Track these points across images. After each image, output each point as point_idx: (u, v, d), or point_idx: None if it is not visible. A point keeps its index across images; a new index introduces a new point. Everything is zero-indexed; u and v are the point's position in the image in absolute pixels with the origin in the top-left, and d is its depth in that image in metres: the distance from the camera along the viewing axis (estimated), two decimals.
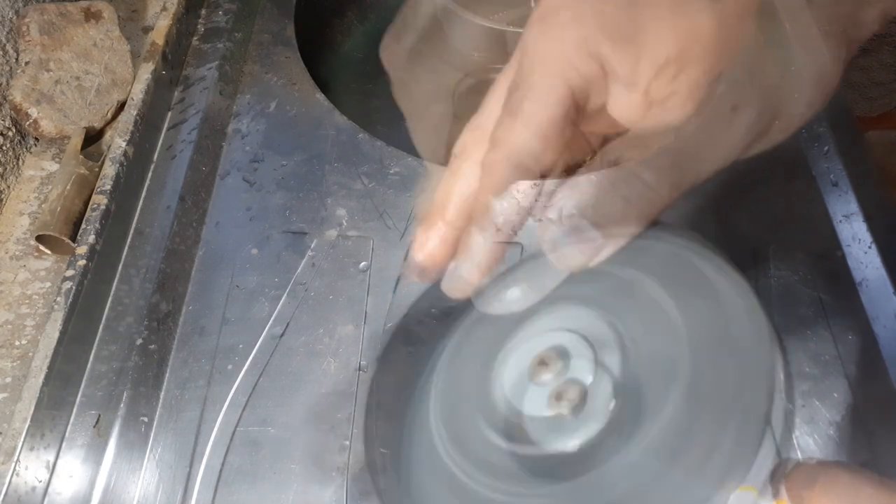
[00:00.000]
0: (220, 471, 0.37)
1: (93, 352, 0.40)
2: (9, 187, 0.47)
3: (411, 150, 0.49)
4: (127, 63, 0.53)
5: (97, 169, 0.46)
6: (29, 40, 0.50)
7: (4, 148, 0.47)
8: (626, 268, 0.26)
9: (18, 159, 0.49)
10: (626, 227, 0.24)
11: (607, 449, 0.25)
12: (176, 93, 0.53)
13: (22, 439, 0.34)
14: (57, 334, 0.37)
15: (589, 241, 0.23)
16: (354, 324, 0.42)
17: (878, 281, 0.43)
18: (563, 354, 0.27)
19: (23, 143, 0.49)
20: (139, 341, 0.40)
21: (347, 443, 0.38)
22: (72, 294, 0.39)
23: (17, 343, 0.41)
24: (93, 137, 0.50)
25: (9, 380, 0.39)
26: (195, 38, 0.57)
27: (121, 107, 0.51)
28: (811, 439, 0.38)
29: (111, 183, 0.44)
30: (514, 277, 0.26)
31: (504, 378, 0.28)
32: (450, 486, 0.27)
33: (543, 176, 0.23)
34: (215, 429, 0.39)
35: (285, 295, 0.43)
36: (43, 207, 0.44)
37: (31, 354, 0.39)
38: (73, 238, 0.43)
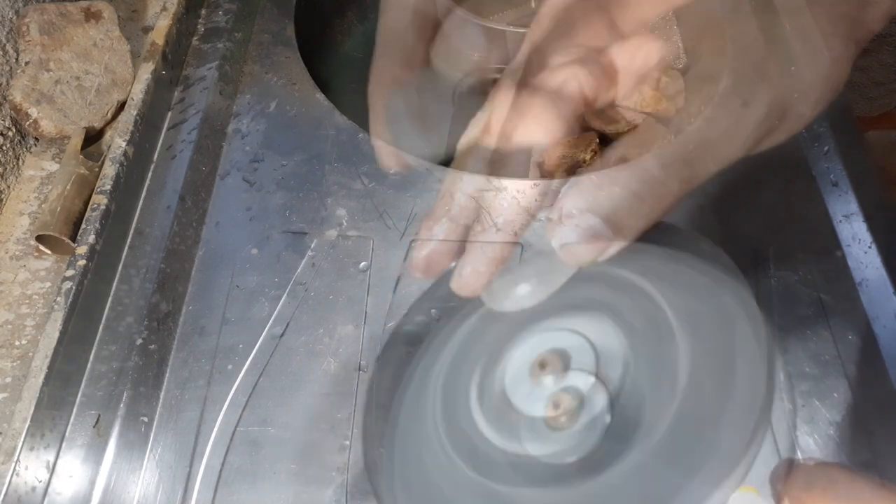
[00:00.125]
0: (220, 471, 0.37)
1: (93, 352, 0.40)
2: (9, 187, 0.47)
3: (411, 151, 0.49)
4: (127, 63, 0.53)
5: (97, 169, 0.46)
6: (29, 40, 0.49)
7: (4, 148, 0.47)
8: (626, 269, 0.26)
9: (18, 159, 0.49)
10: (635, 222, 0.24)
11: (607, 456, 0.25)
12: (176, 93, 0.53)
13: (22, 439, 0.34)
14: (57, 334, 0.37)
15: (598, 237, 0.23)
16: (354, 324, 0.42)
17: (878, 281, 0.43)
18: (563, 357, 0.27)
19: (23, 143, 0.49)
20: (139, 341, 0.40)
21: (347, 443, 0.38)
22: (72, 294, 0.39)
23: (17, 343, 0.41)
24: (93, 137, 0.50)
25: (9, 380, 0.39)
26: (195, 38, 0.57)
27: (121, 107, 0.51)
28: (811, 439, 0.38)
29: (111, 183, 0.44)
30: (522, 274, 0.26)
31: (505, 378, 0.28)
32: (449, 485, 0.27)
33: (547, 175, 0.23)
34: (215, 429, 0.39)
35: (285, 295, 0.43)
36: (43, 207, 0.44)
37: (31, 354, 0.39)
38: (73, 238, 0.43)
